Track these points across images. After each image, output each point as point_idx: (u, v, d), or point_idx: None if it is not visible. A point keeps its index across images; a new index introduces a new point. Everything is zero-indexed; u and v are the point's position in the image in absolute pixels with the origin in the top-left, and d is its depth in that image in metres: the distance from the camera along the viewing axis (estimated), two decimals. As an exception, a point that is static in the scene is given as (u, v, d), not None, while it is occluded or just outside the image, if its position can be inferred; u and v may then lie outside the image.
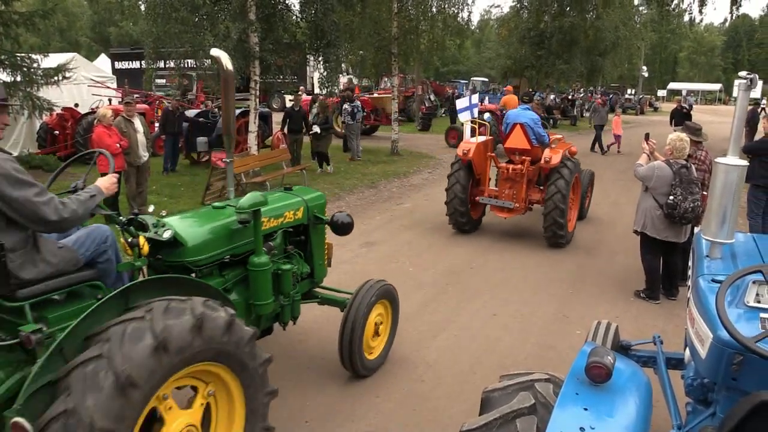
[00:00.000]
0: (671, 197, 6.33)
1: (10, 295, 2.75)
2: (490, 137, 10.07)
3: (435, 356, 5.36)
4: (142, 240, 3.38)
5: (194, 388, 3.17)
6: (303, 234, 4.91)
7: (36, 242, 2.97)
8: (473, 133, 9.81)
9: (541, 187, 9.28)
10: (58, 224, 2.93)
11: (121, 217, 3.45)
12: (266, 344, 4.81)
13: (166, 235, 3.54)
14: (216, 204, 4.25)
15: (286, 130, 15.07)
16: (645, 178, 6.63)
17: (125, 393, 2.54)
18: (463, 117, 11.41)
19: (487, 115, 15.76)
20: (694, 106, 47.36)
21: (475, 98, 11.99)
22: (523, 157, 9.08)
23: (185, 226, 3.74)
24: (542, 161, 8.80)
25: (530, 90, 18.42)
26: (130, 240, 3.37)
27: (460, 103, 11.82)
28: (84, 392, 2.48)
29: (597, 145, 21.31)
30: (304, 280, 4.85)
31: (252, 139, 13.76)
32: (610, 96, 41.76)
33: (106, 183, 3.40)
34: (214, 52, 4.34)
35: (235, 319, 3.11)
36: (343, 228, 4.94)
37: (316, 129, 14.60)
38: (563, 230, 8.72)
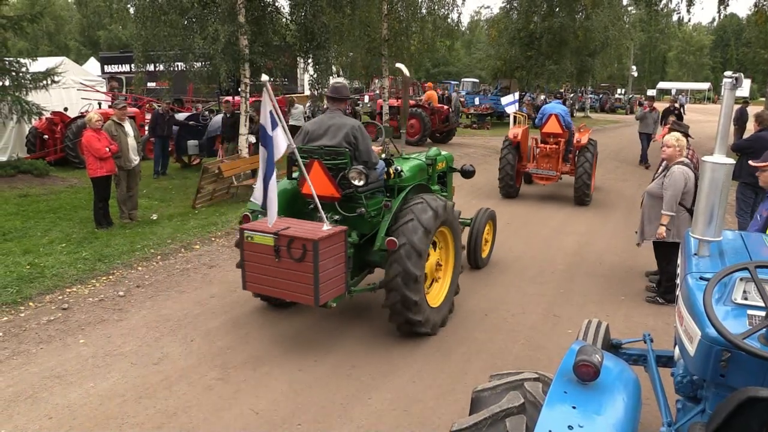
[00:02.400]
0: None
1: (356, 191, 5.44)
2: (526, 126, 13.33)
3: (426, 357, 5.36)
4: (392, 170, 5.98)
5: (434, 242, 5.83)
6: (443, 178, 7.57)
7: None
8: (515, 122, 13.55)
9: (567, 163, 12.49)
10: (374, 165, 5.69)
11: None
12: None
13: (395, 169, 6.04)
14: (404, 155, 6.94)
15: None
16: (678, 190, 6.33)
17: (427, 235, 5.32)
18: (509, 109, 14.89)
19: (524, 108, 19.16)
20: (685, 105, 47.53)
21: (517, 95, 16.14)
22: (558, 139, 12.26)
23: (403, 165, 6.34)
24: (575, 141, 11.99)
25: (560, 90, 21.10)
26: (388, 170, 5.97)
27: (505, 99, 15.66)
28: (411, 234, 5.22)
29: (643, 158, 17.99)
30: None
31: (243, 142, 13.71)
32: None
33: (379, 148, 6.18)
34: (398, 65, 6.69)
35: (452, 204, 6.12)
36: (468, 174, 7.65)
37: (251, 139, 13.63)
38: (589, 191, 11.84)
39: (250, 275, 5.19)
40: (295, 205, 5.74)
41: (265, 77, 4.76)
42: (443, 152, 7.62)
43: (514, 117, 14.14)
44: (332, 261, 4.97)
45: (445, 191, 7.56)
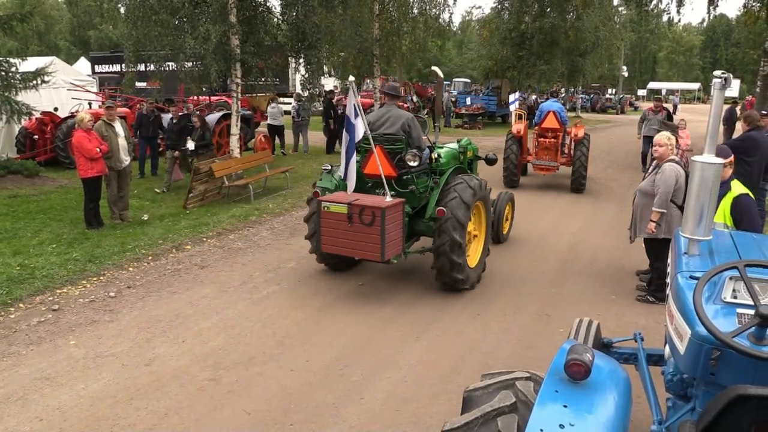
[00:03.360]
0: None
1: (409, 171, 6.73)
2: (526, 122, 14.89)
3: (418, 357, 5.37)
4: (433, 156, 7.21)
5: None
6: (470, 165, 8.70)
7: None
8: (517, 118, 15.34)
9: (564, 155, 13.76)
10: (422, 149, 6.88)
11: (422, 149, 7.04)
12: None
13: (436, 154, 7.31)
14: (438, 145, 7.85)
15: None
16: (670, 187, 6.39)
17: (468, 209, 6.59)
18: (512, 107, 16.80)
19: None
20: (678, 106, 47.63)
21: (518, 95, 17.93)
22: (556, 133, 13.51)
23: (440, 151, 7.59)
24: (572, 135, 13.43)
25: (554, 90, 22.48)
26: (431, 155, 7.18)
27: (510, 98, 17.64)
28: (455, 209, 6.48)
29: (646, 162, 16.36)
30: None
31: (234, 142, 13.67)
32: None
33: (425, 137, 7.20)
34: (433, 68, 8.39)
35: (486, 182, 7.26)
36: (492, 162, 8.97)
37: (190, 145, 12.98)
38: (585, 179, 13.25)
39: (325, 238, 6.41)
40: (356, 183, 6.67)
41: (351, 78, 6.42)
42: (473, 143, 8.93)
43: (516, 114, 15.86)
44: (394, 226, 6.24)
45: None
